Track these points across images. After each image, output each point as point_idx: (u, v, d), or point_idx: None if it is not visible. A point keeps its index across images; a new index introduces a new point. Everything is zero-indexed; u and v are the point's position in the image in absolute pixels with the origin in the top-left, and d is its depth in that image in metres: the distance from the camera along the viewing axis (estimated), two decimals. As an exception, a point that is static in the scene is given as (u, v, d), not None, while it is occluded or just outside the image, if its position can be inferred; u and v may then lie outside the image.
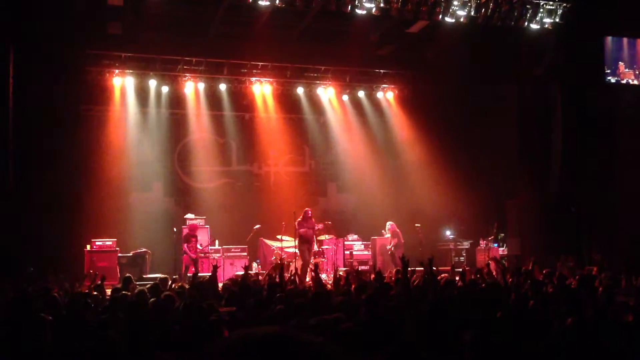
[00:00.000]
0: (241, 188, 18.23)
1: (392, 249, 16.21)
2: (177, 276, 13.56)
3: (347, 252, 16.50)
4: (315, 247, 15.12)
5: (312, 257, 14.60)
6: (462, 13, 14.12)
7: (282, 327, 1.32)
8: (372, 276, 10.75)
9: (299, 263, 14.37)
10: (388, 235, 16.61)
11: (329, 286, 10.66)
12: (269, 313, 6.18)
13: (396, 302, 6.49)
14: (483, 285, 8.35)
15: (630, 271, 10.42)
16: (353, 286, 8.80)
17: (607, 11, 14.58)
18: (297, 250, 14.86)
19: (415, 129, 18.25)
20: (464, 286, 8.53)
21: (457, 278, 9.74)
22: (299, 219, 14.75)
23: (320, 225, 15.45)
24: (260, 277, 12.19)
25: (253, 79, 17.53)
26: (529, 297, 7.13)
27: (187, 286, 9.65)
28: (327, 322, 4.83)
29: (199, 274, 12.23)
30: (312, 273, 10.48)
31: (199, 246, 14.74)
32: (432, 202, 17.25)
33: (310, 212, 15.01)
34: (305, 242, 14.69)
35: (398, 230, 16.58)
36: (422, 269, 8.54)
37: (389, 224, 16.69)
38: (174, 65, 16.86)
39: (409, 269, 7.98)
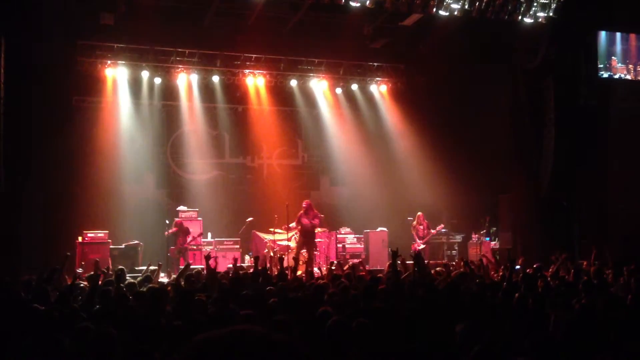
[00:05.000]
0: (234, 180, 18.20)
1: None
2: (169, 269, 13.54)
3: (339, 245, 16.51)
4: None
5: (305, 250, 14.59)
6: (456, 6, 14.09)
7: (248, 326, 1.30)
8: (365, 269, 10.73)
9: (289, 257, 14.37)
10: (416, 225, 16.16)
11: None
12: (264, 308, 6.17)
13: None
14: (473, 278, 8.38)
15: (621, 266, 10.43)
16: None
17: (600, 6, 14.59)
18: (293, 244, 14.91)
19: (408, 122, 18.22)
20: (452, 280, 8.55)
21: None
22: (301, 212, 14.80)
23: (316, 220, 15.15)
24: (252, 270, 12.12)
25: (246, 71, 17.45)
26: (519, 290, 7.14)
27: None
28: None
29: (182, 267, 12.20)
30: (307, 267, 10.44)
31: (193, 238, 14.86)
32: (424, 196, 17.25)
33: (307, 203, 15.04)
34: (306, 236, 14.72)
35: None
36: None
37: (419, 214, 16.25)
38: (167, 57, 16.76)
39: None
